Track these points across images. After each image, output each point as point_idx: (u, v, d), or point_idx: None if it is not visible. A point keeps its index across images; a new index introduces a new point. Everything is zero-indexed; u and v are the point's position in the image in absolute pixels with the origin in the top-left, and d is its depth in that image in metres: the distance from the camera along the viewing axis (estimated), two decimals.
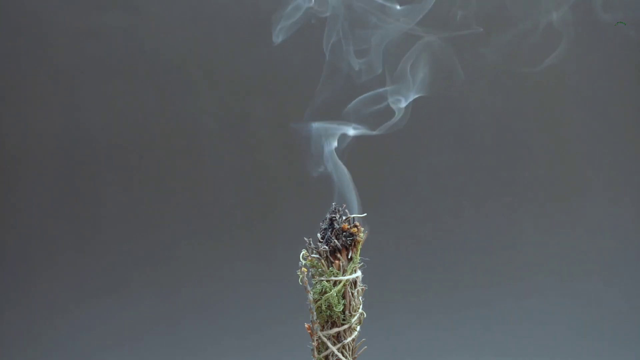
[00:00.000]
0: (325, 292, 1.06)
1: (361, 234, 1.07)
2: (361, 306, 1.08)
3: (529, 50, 2.26)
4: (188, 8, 2.19)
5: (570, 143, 2.25)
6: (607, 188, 2.23)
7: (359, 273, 1.08)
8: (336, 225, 1.06)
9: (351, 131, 1.16)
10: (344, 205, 1.09)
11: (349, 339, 1.07)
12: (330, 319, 1.07)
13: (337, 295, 1.06)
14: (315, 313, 1.06)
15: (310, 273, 1.07)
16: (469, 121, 2.24)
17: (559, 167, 2.24)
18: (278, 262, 2.14)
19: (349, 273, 1.06)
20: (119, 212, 2.19)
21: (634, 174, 2.23)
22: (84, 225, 2.19)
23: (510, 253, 2.21)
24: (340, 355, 1.06)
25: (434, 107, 2.22)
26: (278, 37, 1.27)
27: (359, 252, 1.07)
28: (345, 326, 1.07)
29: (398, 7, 1.26)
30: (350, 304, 1.07)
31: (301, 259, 1.06)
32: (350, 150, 1.18)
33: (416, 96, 1.23)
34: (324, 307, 1.06)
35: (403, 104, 1.21)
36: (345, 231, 1.06)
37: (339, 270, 1.06)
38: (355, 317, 1.07)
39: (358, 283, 1.08)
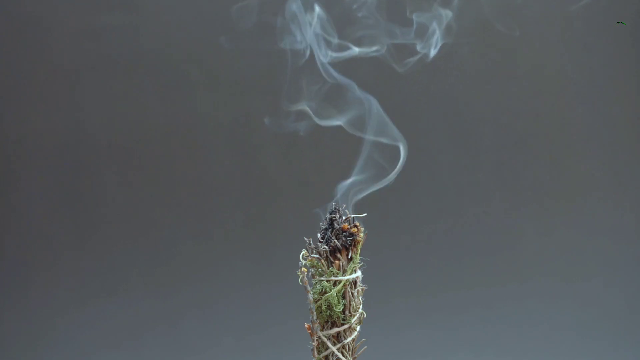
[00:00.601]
0: (325, 292, 1.06)
1: (361, 234, 1.07)
2: (361, 306, 1.08)
3: (529, 49, 2.26)
4: (188, 8, 2.19)
5: (572, 144, 2.25)
6: (608, 189, 2.23)
7: (359, 273, 1.08)
8: (336, 225, 1.06)
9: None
10: (344, 205, 1.09)
11: (349, 339, 1.07)
12: (330, 319, 1.06)
13: (337, 295, 1.06)
14: (315, 313, 1.06)
15: (310, 273, 1.07)
16: (469, 122, 2.24)
17: (560, 168, 2.24)
18: (278, 262, 2.14)
19: (349, 273, 1.06)
20: (119, 212, 2.19)
21: (635, 175, 2.23)
22: (84, 225, 2.19)
23: (511, 253, 2.21)
24: (340, 355, 1.06)
25: (434, 107, 2.22)
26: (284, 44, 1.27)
27: (359, 252, 1.07)
28: (345, 326, 1.07)
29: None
30: (350, 304, 1.07)
31: (301, 259, 1.06)
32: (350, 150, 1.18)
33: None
34: (324, 307, 1.06)
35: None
36: (345, 231, 1.06)
37: (339, 270, 1.06)
38: (355, 317, 1.07)
39: (358, 283, 1.08)
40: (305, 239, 1.07)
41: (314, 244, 1.07)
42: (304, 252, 1.07)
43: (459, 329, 2.14)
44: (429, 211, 2.22)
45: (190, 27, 2.19)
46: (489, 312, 2.16)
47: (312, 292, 1.06)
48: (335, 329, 1.06)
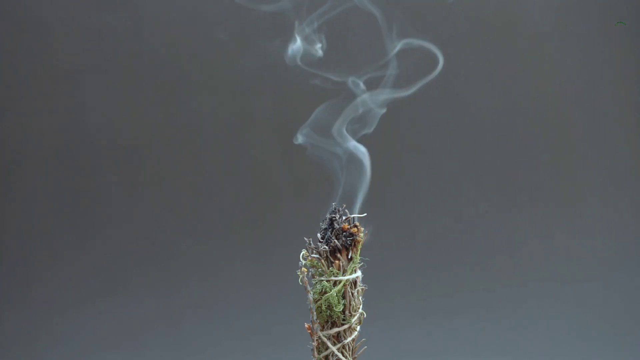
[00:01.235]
0: (325, 292, 1.06)
1: (361, 234, 1.07)
2: (361, 306, 1.08)
3: (529, 49, 2.26)
4: (188, 8, 2.19)
5: (572, 146, 2.25)
6: (607, 192, 2.23)
7: (359, 273, 1.08)
8: (336, 225, 1.06)
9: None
10: (344, 205, 1.09)
11: (349, 339, 1.07)
12: (330, 319, 1.06)
13: (337, 295, 1.06)
14: (315, 313, 1.06)
15: (310, 273, 1.07)
16: (469, 123, 2.24)
17: (559, 171, 2.24)
18: (278, 262, 2.14)
19: (349, 273, 1.06)
20: (119, 212, 2.19)
21: (634, 178, 2.23)
22: (84, 225, 2.19)
23: (510, 255, 2.21)
24: (340, 355, 1.06)
25: (434, 108, 2.22)
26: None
27: (359, 252, 1.07)
28: (345, 326, 1.07)
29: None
30: (350, 304, 1.07)
31: (301, 259, 1.06)
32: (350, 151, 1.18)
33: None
34: (324, 307, 1.06)
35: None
36: (345, 231, 1.06)
37: (339, 270, 1.06)
38: (355, 317, 1.07)
39: (358, 283, 1.08)
40: (305, 239, 1.07)
41: (314, 244, 1.07)
42: (304, 252, 1.07)
43: (458, 330, 2.14)
44: (429, 211, 2.22)
45: (190, 27, 2.19)
46: (488, 313, 2.16)
47: (312, 292, 1.06)
48: (335, 329, 1.06)
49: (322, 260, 1.06)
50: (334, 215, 1.07)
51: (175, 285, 2.17)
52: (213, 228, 2.20)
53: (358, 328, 1.08)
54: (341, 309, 1.06)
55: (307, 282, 1.06)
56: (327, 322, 1.07)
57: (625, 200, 2.22)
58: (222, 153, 2.22)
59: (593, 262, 2.19)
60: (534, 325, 2.14)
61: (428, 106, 2.22)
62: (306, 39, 1.23)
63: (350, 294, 1.07)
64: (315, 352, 1.07)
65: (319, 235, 1.07)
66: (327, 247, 1.06)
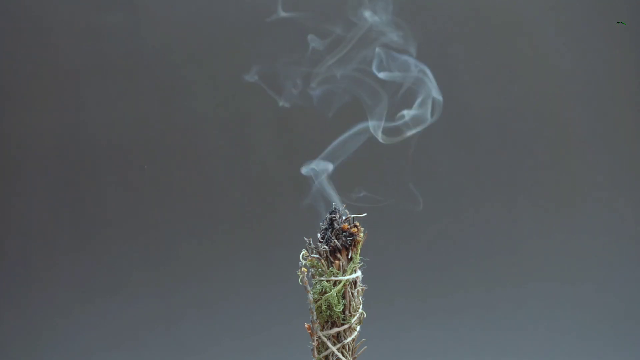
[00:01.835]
0: (325, 292, 1.06)
1: (361, 234, 1.07)
2: (361, 306, 1.08)
3: (529, 50, 2.26)
4: (188, 8, 2.19)
5: (572, 146, 2.25)
6: (607, 192, 2.23)
7: (359, 273, 1.08)
8: (336, 225, 1.06)
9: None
10: (344, 205, 1.09)
11: (349, 339, 1.07)
12: (330, 319, 1.06)
13: (337, 295, 1.06)
14: (315, 313, 1.06)
15: (310, 273, 1.07)
16: (469, 123, 2.24)
17: (560, 171, 2.24)
18: (278, 262, 2.14)
19: (349, 273, 1.06)
20: (119, 212, 2.19)
21: (634, 178, 2.23)
22: (84, 225, 2.19)
23: (511, 255, 2.21)
24: (340, 355, 1.06)
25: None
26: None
27: (359, 252, 1.07)
28: (345, 326, 1.07)
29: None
30: (350, 304, 1.07)
31: (301, 259, 1.06)
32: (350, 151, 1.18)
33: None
34: (324, 307, 1.06)
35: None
36: (345, 231, 1.06)
37: (339, 270, 1.06)
38: (355, 317, 1.07)
39: (358, 283, 1.08)
40: (305, 239, 1.07)
41: (314, 244, 1.07)
42: (304, 252, 1.07)
43: (458, 330, 2.14)
44: (429, 212, 2.22)
45: (190, 27, 2.19)
46: (488, 313, 2.16)
47: (312, 292, 1.06)
48: (335, 329, 1.06)
49: (322, 260, 1.06)
50: (334, 215, 1.07)
51: (175, 285, 2.17)
52: (213, 228, 2.20)
53: (358, 328, 1.08)
54: (341, 309, 1.06)
55: (307, 282, 1.06)
56: (327, 322, 1.07)
57: (625, 200, 2.22)
58: (222, 153, 2.22)
59: (593, 262, 2.19)
60: (534, 325, 2.14)
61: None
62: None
63: (350, 294, 1.07)
64: (315, 352, 1.07)
65: (319, 235, 1.07)
66: (327, 247, 1.06)
